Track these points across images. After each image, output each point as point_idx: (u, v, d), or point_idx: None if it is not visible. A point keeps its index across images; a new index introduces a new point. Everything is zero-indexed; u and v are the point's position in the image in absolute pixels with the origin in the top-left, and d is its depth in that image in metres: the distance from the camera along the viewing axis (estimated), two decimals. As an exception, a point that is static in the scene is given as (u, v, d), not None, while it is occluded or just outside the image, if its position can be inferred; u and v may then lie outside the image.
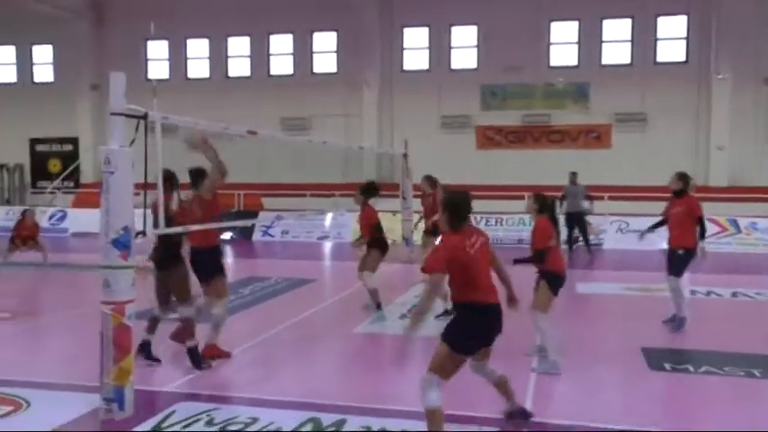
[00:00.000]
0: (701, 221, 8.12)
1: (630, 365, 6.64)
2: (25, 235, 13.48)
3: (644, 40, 21.65)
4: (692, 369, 6.47)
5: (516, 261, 6.43)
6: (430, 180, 10.72)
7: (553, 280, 6.57)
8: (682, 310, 8.21)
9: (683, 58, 21.56)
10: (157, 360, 6.54)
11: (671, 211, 8.27)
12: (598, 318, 9.57)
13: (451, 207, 4.56)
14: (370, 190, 9.58)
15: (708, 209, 17.71)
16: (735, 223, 17.49)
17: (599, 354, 7.19)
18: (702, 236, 8.12)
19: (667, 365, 6.57)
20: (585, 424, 5.10)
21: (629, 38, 21.85)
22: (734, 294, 10.70)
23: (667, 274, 8.24)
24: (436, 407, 4.33)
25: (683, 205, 8.14)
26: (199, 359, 6.41)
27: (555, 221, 6.68)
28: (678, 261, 8.14)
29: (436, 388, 4.35)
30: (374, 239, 9.31)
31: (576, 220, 16.19)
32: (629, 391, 6.04)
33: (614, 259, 15.50)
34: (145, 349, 6.48)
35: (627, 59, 21.90)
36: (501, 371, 4.99)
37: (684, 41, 21.53)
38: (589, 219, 17.14)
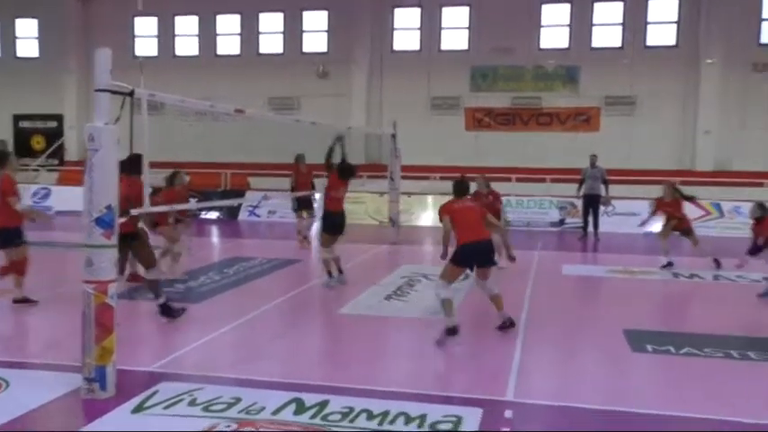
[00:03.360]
0: None
1: (613, 347, 6.70)
2: None
3: (634, 23, 21.61)
4: (673, 350, 6.53)
5: None
6: (486, 180, 11.43)
7: None
8: None
9: (672, 42, 21.56)
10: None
11: None
12: (582, 299, 9.64)
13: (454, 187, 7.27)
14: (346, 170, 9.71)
15: (692, 193, 17.97)
16: (718, 207, 17.61)
17: (582, 335, 7.25)
18: None
19: (649, 347, 6.63)
20: (569, 405, 5.15)
21: (620, 21, 21.81)
22: (715, 277, 10.80)
23: None
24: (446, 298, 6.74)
25: None
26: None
27: None
28: None
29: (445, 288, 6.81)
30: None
31: (593, 203, 15.95)
32: (612, 372, 6.09)
33: (600, 242, 15.58)
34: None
35: (617, 43, 21.87)
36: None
37: (675, 25, 21.52)
38: (575, 201, 17.17)
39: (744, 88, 20.94)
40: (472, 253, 6.84)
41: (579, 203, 16.68)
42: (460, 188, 7.26)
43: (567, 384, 5.79)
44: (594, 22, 22.00)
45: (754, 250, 9.57)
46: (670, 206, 11.45)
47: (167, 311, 7.39)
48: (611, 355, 6.51)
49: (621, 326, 7.37)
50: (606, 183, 15.73)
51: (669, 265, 11.27)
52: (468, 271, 7.33)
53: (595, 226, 15.91)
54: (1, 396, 5.14)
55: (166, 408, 4.90)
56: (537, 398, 5.31)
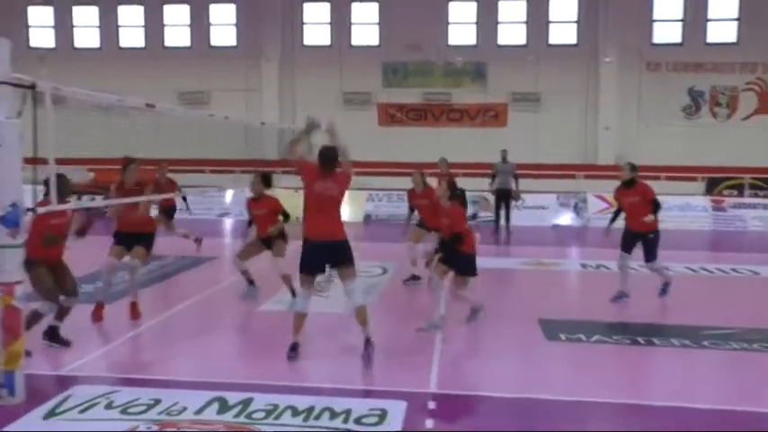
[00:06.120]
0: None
1: (529, 336, 6.93)
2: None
3: (537, 21, 22.35)
4: (584, 338, 6.83)
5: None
6: (422, 175, 9.86)
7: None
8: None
9: (573, 41, 22.44)
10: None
11: None
12: (498, 291, 9.89)
13: None
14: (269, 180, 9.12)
15: (595, 186, 18.84)
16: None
17: (500, 326, 7.45)
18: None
19: (562, 336, 6.90)
20: (489, 394, 5.29)
21: (524, 19, 22.49)
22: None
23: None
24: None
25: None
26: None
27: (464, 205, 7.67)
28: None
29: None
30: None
31: (505, 197, 16.32)
32: (529, 360, 6.30)
33: (512, 235, 16.03)
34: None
35: (522, 41, 22.55)
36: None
37: (575, 25, 22.40)
38: (487, 195, 17.55)
39: (639, 86, 22.10)
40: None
41: (492, 198, 17.08)
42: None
43: (487, 374, 5.95)
44: (500, 19, 22.60)
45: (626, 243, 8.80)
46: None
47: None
48: (528, 345, 6.74)
49: (536, 316, 7.63)
50: (516, 177, 16.25)
51: None
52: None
53: (507, 219, 16.37)
54: None
55: (81, 412, 4.72)
56: (458, 389, 5.45)
